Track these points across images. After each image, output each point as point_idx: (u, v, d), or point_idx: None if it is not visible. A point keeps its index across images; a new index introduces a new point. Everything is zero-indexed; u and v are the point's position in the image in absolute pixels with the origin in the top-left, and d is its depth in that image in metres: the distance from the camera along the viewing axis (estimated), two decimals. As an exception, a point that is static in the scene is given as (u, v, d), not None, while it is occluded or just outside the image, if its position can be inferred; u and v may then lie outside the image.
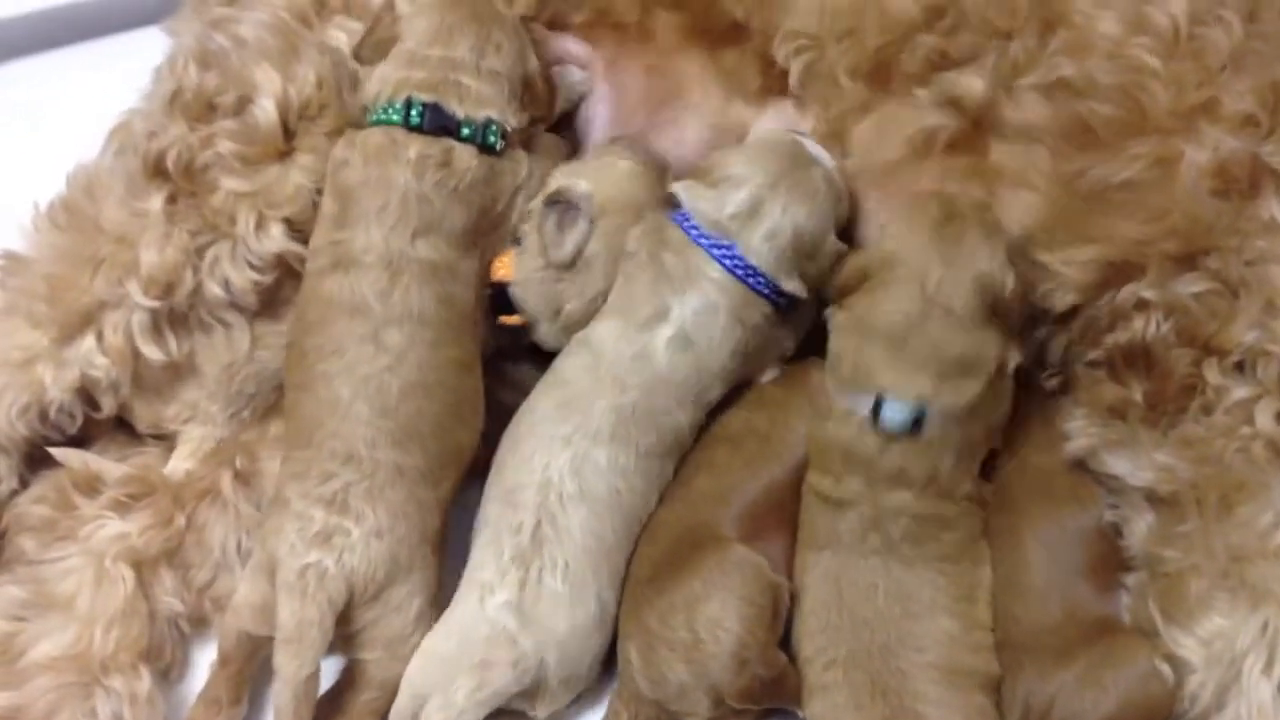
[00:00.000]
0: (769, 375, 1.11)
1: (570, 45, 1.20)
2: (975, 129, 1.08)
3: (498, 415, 1.08)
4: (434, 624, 0.99)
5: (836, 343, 1.04)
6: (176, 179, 1.07)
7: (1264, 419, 0.98)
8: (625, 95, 1.20)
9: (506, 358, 1.13)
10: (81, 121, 1.14)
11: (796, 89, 1.14)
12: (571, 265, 1.09)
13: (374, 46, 1.10)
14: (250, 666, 0.99)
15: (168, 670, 1.05)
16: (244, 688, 0.99)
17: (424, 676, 0.97)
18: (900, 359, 0.99)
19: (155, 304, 1.06)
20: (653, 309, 1.05)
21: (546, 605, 0.97)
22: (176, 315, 1.08)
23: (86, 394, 1.08)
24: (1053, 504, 1.04)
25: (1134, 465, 1.02)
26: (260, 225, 1.07)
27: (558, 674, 0.98)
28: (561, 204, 1.09)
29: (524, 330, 1.11)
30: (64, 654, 1.01)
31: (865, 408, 1.00)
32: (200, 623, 1.07)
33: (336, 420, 0.99)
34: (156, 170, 1.07)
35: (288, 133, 1.08)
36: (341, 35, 1.12)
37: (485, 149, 1.07)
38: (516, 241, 1.10)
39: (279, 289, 1.10)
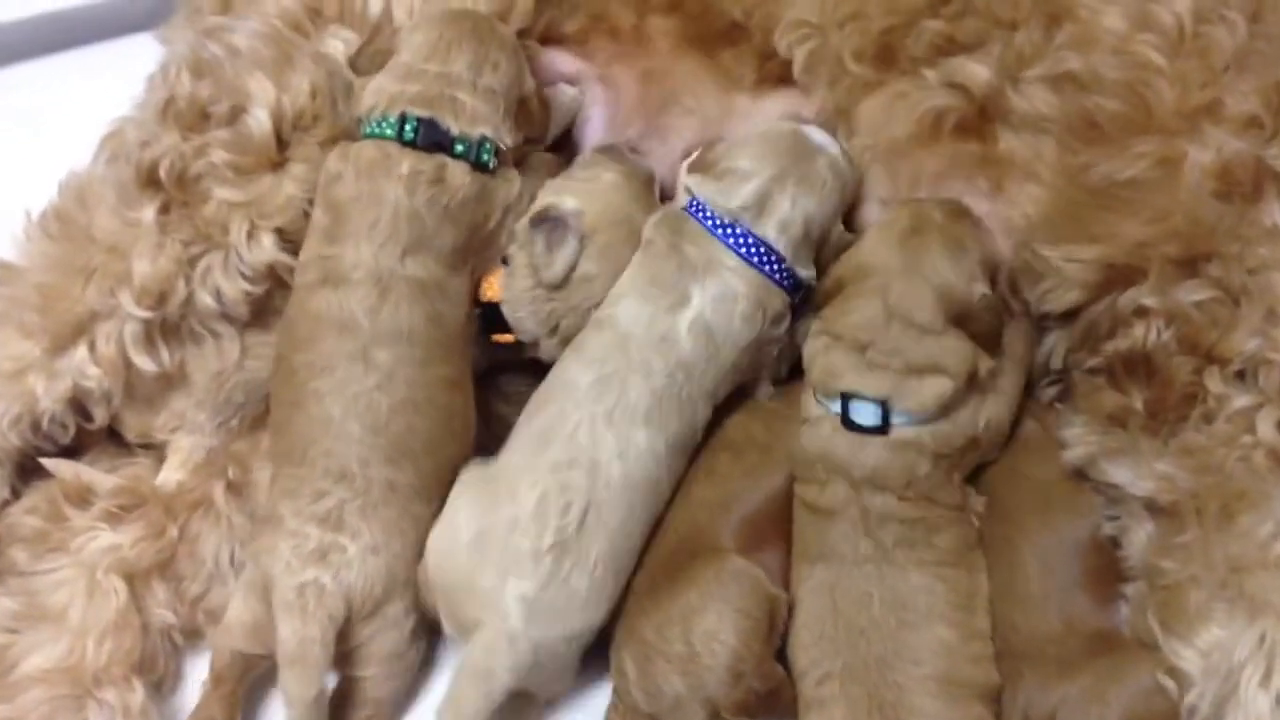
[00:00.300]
0: (765, 392, 1.10)
1: (562, 63, 1.19)
2: (982, 115, 1.08)
3: (493, 428, 1.08)
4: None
5: (808, 348, 1.05)
6: (169, 188, 1.07)
7: (1265, 428, 0.96)
8: (620, 103, 1.19)
9: (502, 371, 1.13)
10: (75, 128, 1.13)
11: (801, 75, 1.14)
12: (564, 285, 1.08)
13: (372, 57, 1.09)
14: (243, 685, 0.99)
15: (160, 682, 1.05)
16: (237, 707, 0.99)
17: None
18: (863, 362, 1.00)
19: (148, 314, 1.06)
20: (676, 295, 1.04)
21: (561, 606, 0.97)
22: (168, 325, 1.08)
23: (78, 404, 1.08)
24: (1050, 514, 1.03)
25: (1134, 474, 1.01)
26: (252, 235, 1.07)
27: (549, 668, 0.98)
28: (548, 223, 1.08)
29: (519, 346, 1.11)
30: (56, 666, 1.01)
31: (835, 408, 1.01)
32: (193, 634, 1.07)
33: (329, 438, 0.99)
34: (149, 179, 1.07)
35: (281, 143, 1.08)
36: (336, 45, 1.11)
37: (478, 166, 1.06)
38: (504, 262, 1.10)
39: (269, 299, 1.09)
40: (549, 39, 1.20)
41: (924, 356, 1.00)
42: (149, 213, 1.06)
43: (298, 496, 0.98)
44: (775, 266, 1.05)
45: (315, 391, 1.00)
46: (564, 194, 1.09)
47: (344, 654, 0.97)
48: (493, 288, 1.09)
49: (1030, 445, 1.07)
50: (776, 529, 1.03)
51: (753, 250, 1.04)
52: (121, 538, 1.05)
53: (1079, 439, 1.04)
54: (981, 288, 1.02)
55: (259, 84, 1.08)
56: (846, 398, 1.01)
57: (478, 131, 1.06)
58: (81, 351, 1.06)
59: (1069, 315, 1.07)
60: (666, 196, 1.16)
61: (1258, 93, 1.01)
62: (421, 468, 1.01)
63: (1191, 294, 1.00)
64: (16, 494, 1.09)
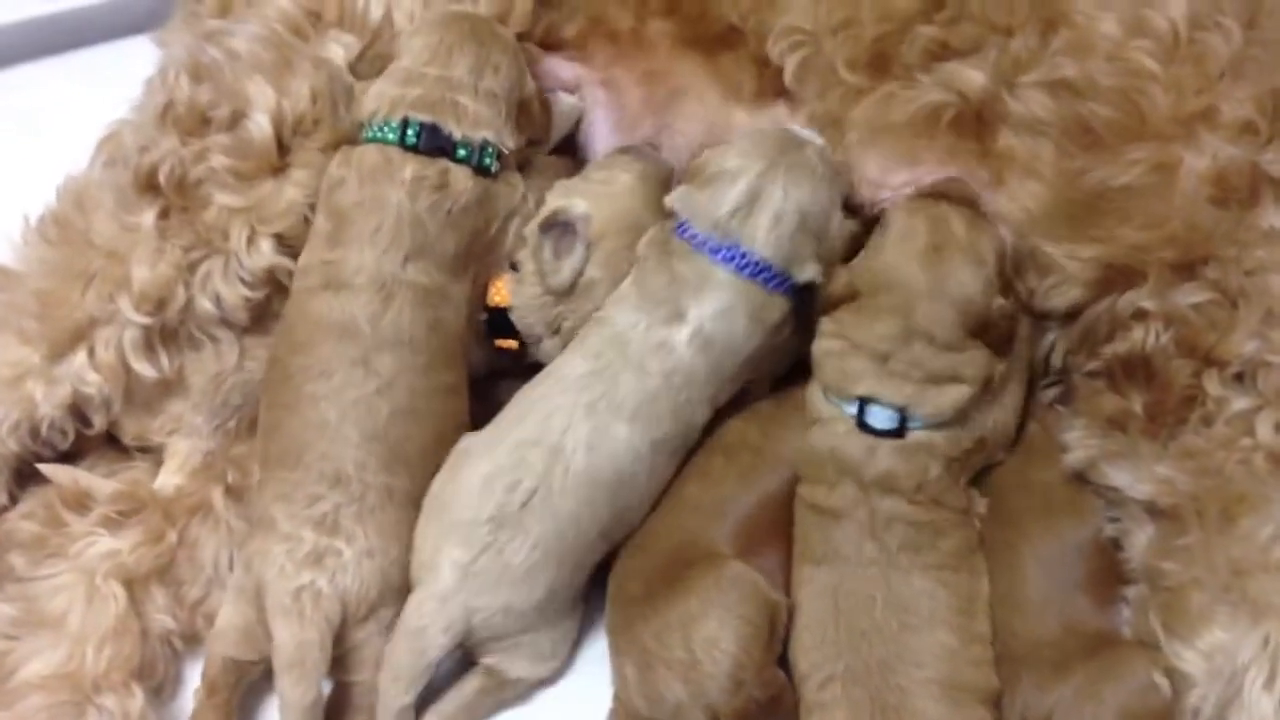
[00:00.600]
0: (760, 391, 1.10)
1: (561, 69, 1.20)
2: (980, 116, 1.08)
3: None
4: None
5: (822, 347, 1.04)
6: (169, 194, 1.06)
7: (1265, 430, 0.97)
8: (625, 104, 1.19)
9: (501, 377, 1.12)
10: (72, 131, 1.13)
11: (792, 85, 1.14)
12: (570, 291, 1.08)
13: (372, 61, 1.09)
14: (237, 693, 0.99)
15: (160, 688, 1.04)
16: (232, 716, 0.99)
17: None
18: (883, 370, 1.00)
19: (147, 320, 1.06)
20: (669, 310, 1.04)
21: (492, 577, 0.97)
22: (167, 331, 1.08)
23: (77, 410, 1.08)
24: (1051, 517, 1.03)
25: (1134, 477, 1.01)
26: (252, 241, 1.07)
27: (483, 634, 0.98)
28: (558, 227, 1.08)
29: (521, 353, 1.11)
30: (56, 673, 1.00)
31: (851, 410, 1.01)
32: (193, 640, 1.06)
33: (325, 442, 0.98)
34: (148, 184, 1.06)
35: (282, 147, 1.08)
36: (336, 49, 1.11)
37: (480, 171, 1.06)
38: (514, 267, 1.10)
39: (268, 304, 1.09)
40: (547, 43, 1.20)
41: (944, 367, 1.00)
42: (148, 218, 1.06)
43: (292, 500, 0.98)
44: (767, 274, 1.04)
45: (311, 395, 1.00)
46: (575, 196, 1.09)
47: (338, 659, 0.97)
48: (500, 293, 1.09)
49: (1032, 448, 1.07)
50: (774, 532, 1.03)
51: (742, 262, 1.04)
52: (120, 543, 1.05)
53: (1079, 442, 1.04)
54: (999, 300, 1.03)
55: (259, 88, 1.07)
56: (863, 401, 1.01)
57: (480, 135, 1.06)
58: (80, 357, 1.06)
59: (1069, 317, 1.08)
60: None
61: (1253, 99, 1.01)
62: (417, 474, 1.01)
63: (1190, 297, 1.01)
64: (14, 499, 1.09)
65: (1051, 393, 1.10)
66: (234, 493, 1.09)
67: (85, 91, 1.30)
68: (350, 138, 1.08)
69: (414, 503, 1.00)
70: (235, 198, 1.06)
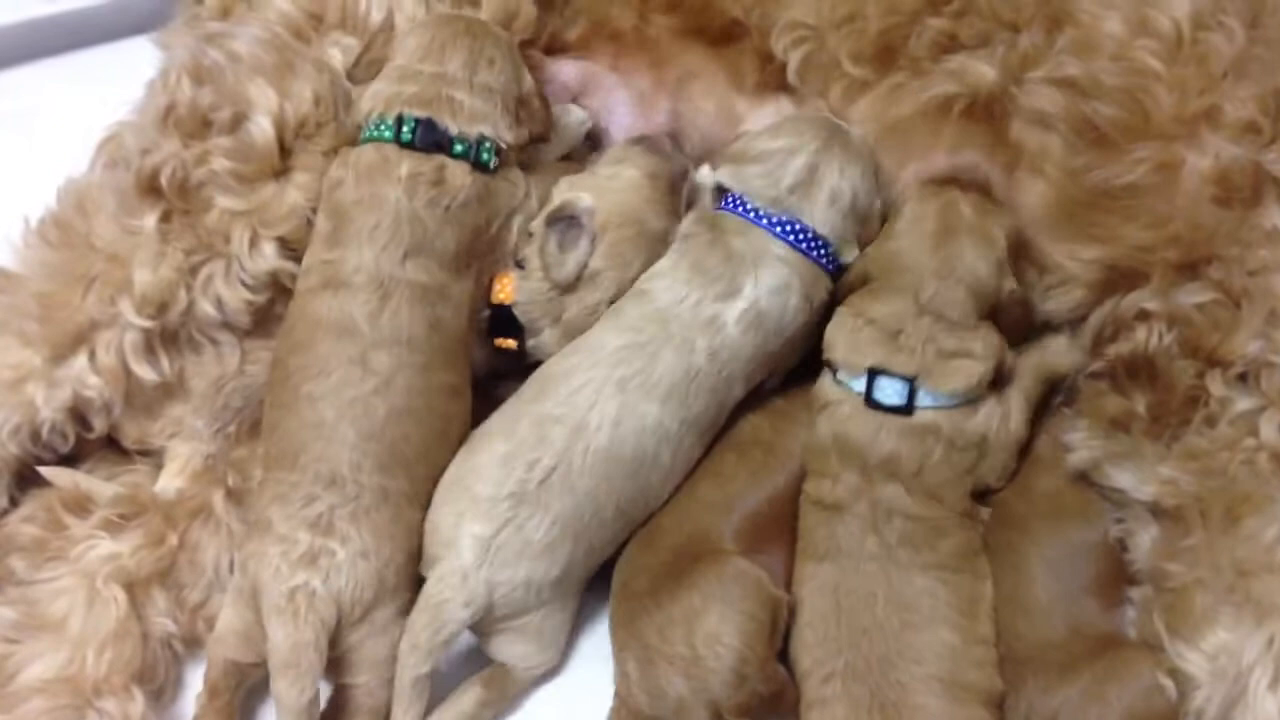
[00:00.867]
0: (773, 381, 1.10)
1: (567, 69, 1.19)
2: (989, 106, 1.08)
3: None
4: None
5: (832, 329, 1.05)
6: (170, 197, 1.06)
7: (1269, 431, 0.97)
8: (639, 86, 1.19)
9: (501, 378, 1.12)
10: (72, 133, 1.13)
11: (795, 80, 1.14)
12: (575, 284, 1.08)
13: (368, 65, 1.09)
14: (238, 695, 0.99)
15: (161, 691, 1.04)
16: (234, 718, 0.98)
17: None
18: (895, 343, 1.01)
19: (148, 323, 1.05)
20: (725, 285, 1.04)
21: (513, 551, 0.98)
22: (168, 334, 1.08)
23: (78, 414, 1.08)
24: (1058, 519, 1.03)
25: (1137, 478, 1.01)
26: (254, 244, 1.06)
27: (500, 611, 0.98)
28: (563, 221, 1.08)
29: (520, 354, 1.11)
30: (56, 676, 1.00)
31: (860, 385, 1.01)
32: (193, 643, 1.06)
33: (321, 443, 0.98)
34: (150, 187, 1.06)
35: (284, 151, 1.08)
36: (337, 53, 1.11)
37: (479, 166, 1.05)
38: (519, 265, 1.10)
39: (270, 307, 1.09)
40: (551, 48, 1.20)
41: (955, 345, 1.01)
42: (150, 221, 1.06)
43: (288, 501, 0.97)
44: (822, 251, 1.06)
45: (308, 395, 0.99)
46: (580, 189, 1.10)
47: (334, 661, 0.96)
48: (504, 290, 1.09)
49: (1039, 453, 1.07)
50: (779, 529, 1.04)
51: (800, 237, 1.05)
52: (121, 546, 1.05)
53: (1082, 443, 1.04)
54: (1010, 283, 1.04)
55: (261, 91, 1.07)
56: (873, 374, 1.01)
57: (476, 130, 1.06)
58: (81, 360, 1.06)
59: (1072, 320, 1.08)
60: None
61: (1256, 99, 1.02)
62: (415, 475, 1.00)
63: (1193, 297, 1.01)
64: (15, 503, 1.08)
65: (1056, 397, 1.10)
66: (235, 496, 1.09)
67: (85, 93, 1.29)
68: (352, 141, 1.08)
69: (410, 503, 1.00)
70: (237, 201, 1.06)
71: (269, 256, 1.07)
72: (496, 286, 1.09)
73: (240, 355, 1.10)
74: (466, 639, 1.02)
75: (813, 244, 1.06)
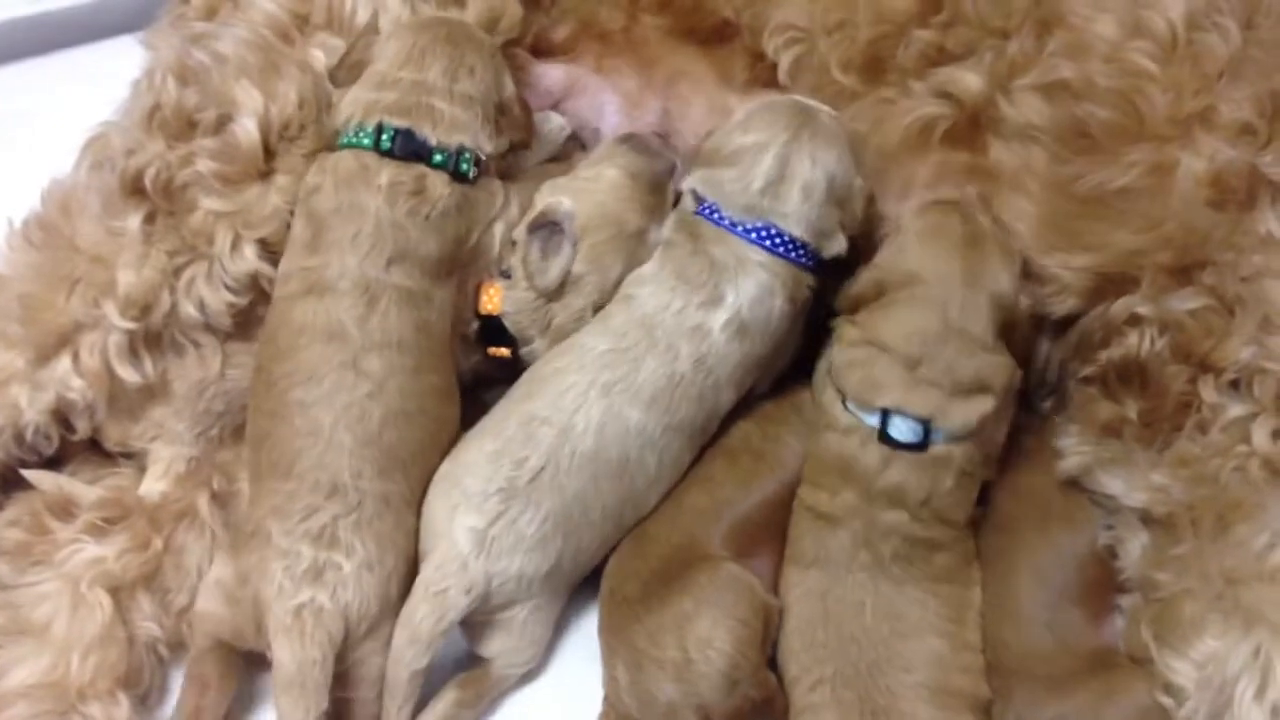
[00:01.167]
0: (763, 385, 1.09)
1: (552, 72, 1.18)
2: (973, 124, 1.07)
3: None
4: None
5: (845, 354, 1.02)
6: (155, 198, 1.05)
7: (1261, 437, 0.96)
8: (626, 87, 1.19)
9: (491, 385, 1.11)
10: (56, 133, 1.12)
11: (786, 81, 1.13)
12: (559, 291, 1.08)
13: (348, 70, 1.08)
14: (229, 685, 0.98)
15: (146, 696, 1.03)
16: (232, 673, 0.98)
17: None
18: (913, 377, 0.99)
19: (132, 325, 1.05)
20: (708, 294, 1.04)
21: (508, 543, 0.98)
22: (151, 336, 1.07)
23: (62, 416, 1.07)
24: (1047, 525, 1.02)
25: (1128, 485, 1.00)
26: (236, 246, 1.06)
27: (493, 602, 0.98)
28: (545, 228, 1.08)
29: (514, 361, 1.10)
30: (40, 681, 0.99)
31: (873, 421, 0.99)
32: (179, 647, 1.05)
33: (319, 450, 0.97)
34: (134, 189, 1.06)
35: (268, 152, 1.07)
36: (320, 54, 1.10)
37: (458, 177, 1.05)
38: (505, 275, 1.09)
39: (252, 310, 1.08)
40: (537, 49, 1.20)
41: (974, 374, 0.98)
42: (134, 222, 1.05)
43: (287, 514, 0.96)
44: (800, 252, 1.04)
45: (299, 402, 0.99)
46: (561, 194, 1.09)
47: (337, 675, 0.95)
48: (493, 300, 1.09)
49: (1029, 457, 1.06)
50: (768, 535, 1.03)
51: (776, 241, 1.04)
52: (106, 550, 1.04)
53: (1073, 449, 1.04)
54: (1025, 299, 1.03)
55: (246, 92, 1.06)
56: (886, 412, 0.99)
57: (456, 141, 1.05)
58: (65, 363, 1.05)
59: (1063, 324, 1.07)
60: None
61: (1251, 100, 1.00)
62: (411, 477, 1.00)
63: (1185, 302, 1.00)
64: (-1, 506, 1.08)
65: (1047, 403, 1.10)
66: (219, 499, 1.09)
67: (70, 93, 1.29)
68: (329, 144, 1.07)
69: (409, 507, 0.99)
70: (221, 202, 1.06)
71: (249, 258, 1.06)
72: (484, 297, 1.09)
73: (222, 358, 1.09)
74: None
75: (789, 246, 1.04)
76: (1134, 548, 0.99)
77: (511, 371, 1.09)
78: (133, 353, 1.06)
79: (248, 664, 1.00)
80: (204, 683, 0.97)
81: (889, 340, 0.99)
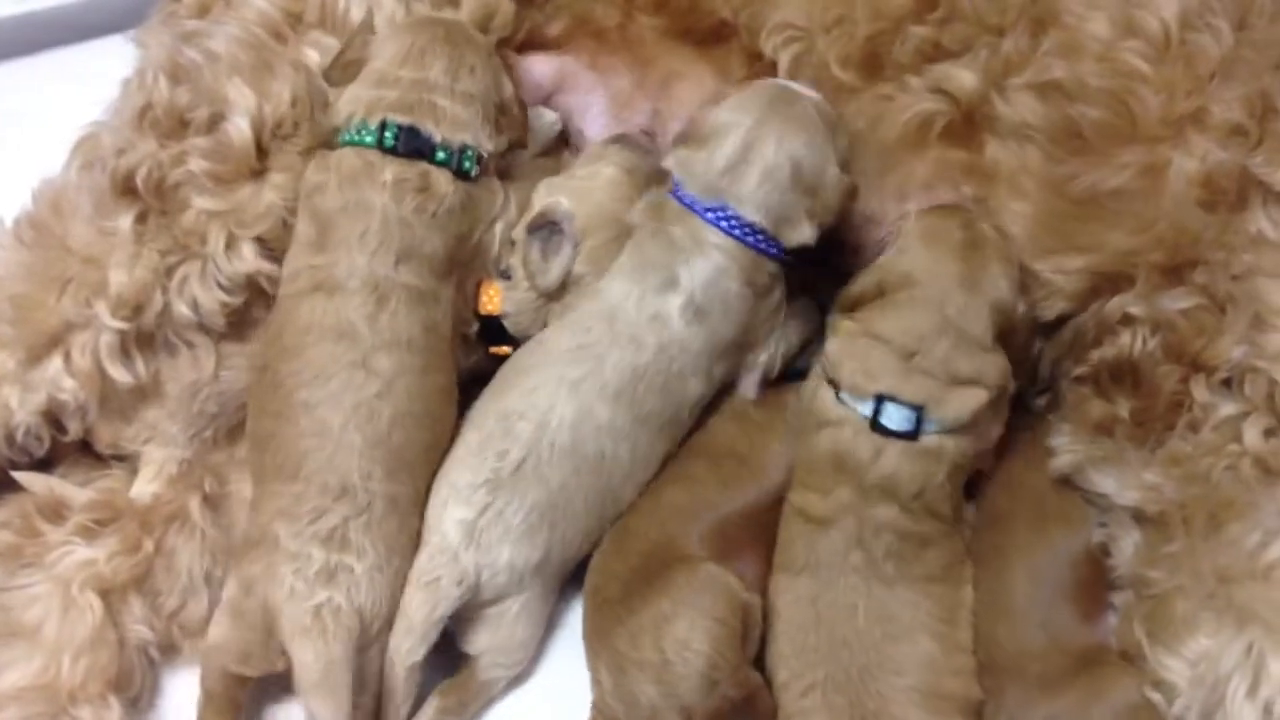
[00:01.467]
0: (750, 388, 1.09)
1: (543, 64, 1.18)
2: (969, 122, 1.07)
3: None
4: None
5: (841, 347, 1.02)
6: (146, 197, 1.05)
7: (1252, 436, 0.96)
8: (618, 86, 1.18)
9: (484, 382, 1.10)
10: (48, 132, 1.12)
11: (785, 79, 1.12)
12: (560, 291, 1.08)
13: (343, 69, 1.07)
14: (242, 694, 0.97)
15: (137, 699, 1.03)
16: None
17: None
18: (908, 366, 0.99)
19: (124, 325, 1.04)
20: (662, 277, 1.04)
21: (496, 534, 0.98)
22: (143, 336, 1.06)
23: (53, 417, 1.06)
24: (1043, 524, 1.03)
25: (1120, 484, 1.01)
26: (231, 245, 1.05)
27: (484, 595, 0.99)
28: (545, 228, 1.08)
29: None
30: (31, 684, 0.99)
31: (867, 409, 0.99)
32: (170, 650, 1.05)
33: (328, 451, 0.96)
34: (126, 188, 1.05)
35: (261, 151, 1.06)
36: (314, 52, 1.09)
37: (461, 174, 1.05)
38: (505, 275, 1.09)
39: (247, 310, 1.08)
40: (531, 45, 1.19)
41: (969, 369, 0.99)
42: (126, 222, 1.04)
43: (295, 516, 0.95)
44: (759, 237, 1.04)
45: (305, 402, 0.98)
46: (560, 193, 1.09)
47: None
48: (493, 300, 1.09)
49: (1024, 456, 1.06)
50: (748, 540, 1.03)
51: (733, 223, 1.03)
52: (97, 552, 1.04)
53: (1066, 448, 1.04)
54: (1024, 304, 1.03)
55: (238, 91, 1.06)
56: (880, 399, 0.99)
57: (459, 139, 1.05)
58: (56, 363, 1.04)
59: (1055, 324, 1.07)
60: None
61: (1243, 101, 1.01)
62: (418, 478, 1.00)
63: (1177, 302, 1.00)
64: (-12, 508, 1.07)
65: (1041, 401, 1.10)
66: (211, 501, 1.08)
67: (59, 92, 1.28)
68: (327, 143, 1.07)
69: (414, 508, 0.99)
70: (213, 201, 1.05)
71: (246, 258, 1.06)
72: (484, 298, 1.09)
73: (216, 360, 1.08)
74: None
75: (745, 230, 1.03)
76: (1126, 546, 1.00)
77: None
78: (125, 353, 1.05)
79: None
80: None
81: (886, 334, 1.00)
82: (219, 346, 1.08)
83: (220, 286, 1.06)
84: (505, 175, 1.10)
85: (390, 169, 1.03)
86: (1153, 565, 0.97)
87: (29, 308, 1.05)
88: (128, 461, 1.10)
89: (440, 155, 1.04)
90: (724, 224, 1.03)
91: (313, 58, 1.09)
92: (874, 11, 1.07)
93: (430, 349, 1.02)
